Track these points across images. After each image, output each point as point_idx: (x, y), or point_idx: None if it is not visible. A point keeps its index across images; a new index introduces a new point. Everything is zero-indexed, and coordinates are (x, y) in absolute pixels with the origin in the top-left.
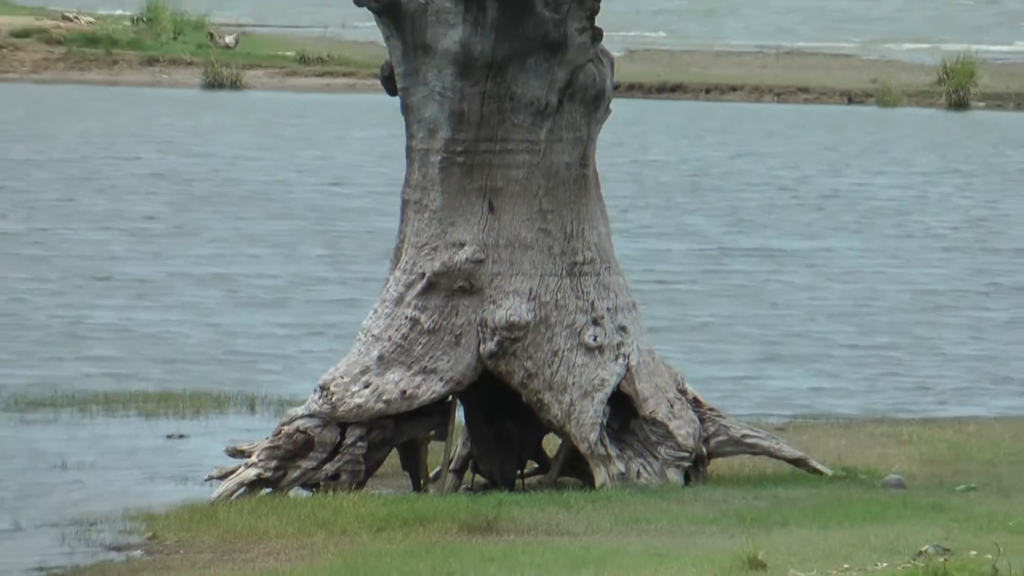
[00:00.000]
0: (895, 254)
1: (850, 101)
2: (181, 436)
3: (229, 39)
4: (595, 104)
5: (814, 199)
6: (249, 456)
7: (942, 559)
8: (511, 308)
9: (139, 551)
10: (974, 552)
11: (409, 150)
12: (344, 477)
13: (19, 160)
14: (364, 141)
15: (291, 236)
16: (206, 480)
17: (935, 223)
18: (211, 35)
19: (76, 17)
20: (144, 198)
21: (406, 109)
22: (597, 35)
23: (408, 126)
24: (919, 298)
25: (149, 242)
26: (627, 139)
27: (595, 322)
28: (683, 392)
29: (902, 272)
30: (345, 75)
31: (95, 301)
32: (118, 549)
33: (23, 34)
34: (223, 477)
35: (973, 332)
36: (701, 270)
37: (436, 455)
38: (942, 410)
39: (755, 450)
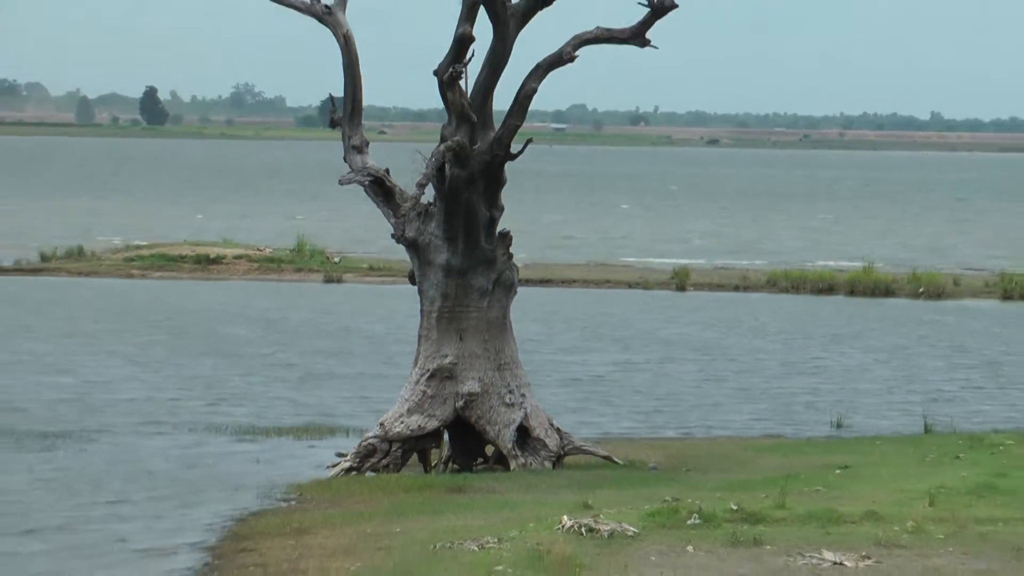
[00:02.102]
0: (655, 361)
1: (629, 287)
2: (313, 446)
3: (336, 258)
4: (510, 289)
5: (618, 333)
6: (346, 456)
7: (674, 503)
8: (470, 385)
9: (293, 502)
10: (691, 500)
11: (421, 311)
12: (391, 467)
13: (246, 315)
14: (405, 307)
15: (369, 353)
16: (327, 467)
17: (684, 348)
18: (327, 256)
19: (263, 248)
20: (306, 336)
21: (420, 292)
22: (510, 256)
23: (421, 300)
24: (653, 387)
25: (320, 358)
26: (531, 304)
27: (510, 392)
28: (552, 424)
29: (662, 367)
30: (391, 275)
31: (296, 388)
32: (284, 501)
33: (237, 256)
34: (333, 466)
35: (693, 397)
36: (552, 367)
37: (434, 455)
38: (668, 431)
39: (586, 452)
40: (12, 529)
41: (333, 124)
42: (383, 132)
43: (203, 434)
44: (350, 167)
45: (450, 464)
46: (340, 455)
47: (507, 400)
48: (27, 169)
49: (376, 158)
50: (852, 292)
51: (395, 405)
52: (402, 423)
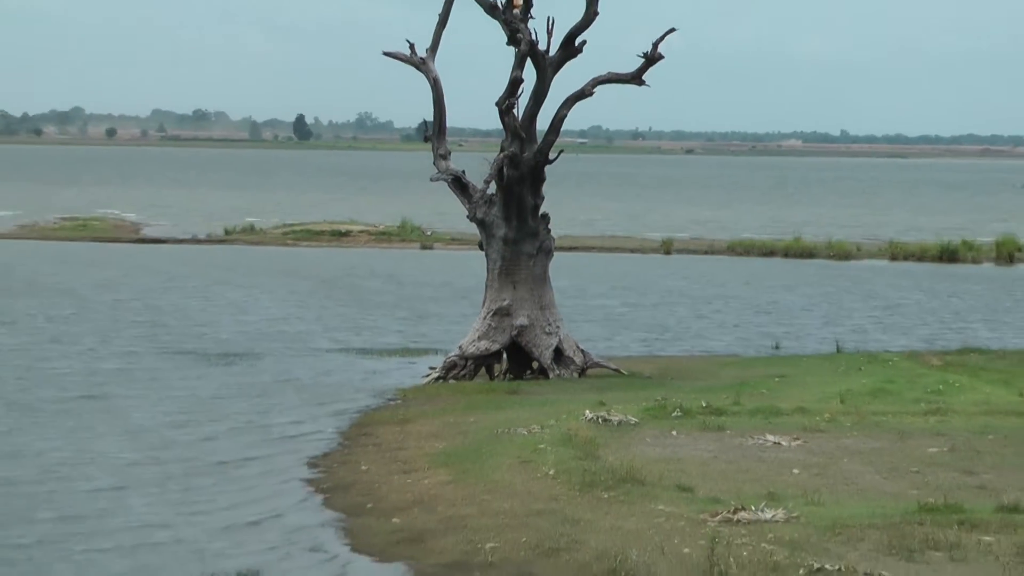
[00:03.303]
0: (650, 303)
1: (631, 252)
2: (413, 363)
3: (428, 232)
4: (549, 254)
5: (624, 283)
6: (435, 369)
7: (663, 401)
8: (521, 319)
9: (399, 401)
10: (674, 399)
11: (487, 269)
12: (467, 376)
13: (372, 271)
14: (476, 267)
15: (455, 296)
16: (422, 377)
17: (671, 294)
18: (423, 231)
19: (378, 225)
20: (410, 287)
21: (486, 255)
22: (549, 231)
23: (487, 261)
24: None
25: (420, 301)
26: (563, 264)
27: (548, 324)
28: (578, 346)
29: (655, 307)
30: (467, 244)
31: (403, 322)
32: (392, 400)
33: (360, 231)
34: (427, 377)
35: (677, 328)
36: (580, 312)
37: (497, 368)
38: (660, 352)
39: (601, 366)
40: (204, 424)
41: (426, 139)
42: (460, 145)
43: (338, 355)
44: (437, 169)
45: (507, 375)
46: (431, 368)
47: (546, 330)
48: (214, 172)
49: (456, 163)
50: (786, 255)
51: (469, 333)
52: (474, 346)
